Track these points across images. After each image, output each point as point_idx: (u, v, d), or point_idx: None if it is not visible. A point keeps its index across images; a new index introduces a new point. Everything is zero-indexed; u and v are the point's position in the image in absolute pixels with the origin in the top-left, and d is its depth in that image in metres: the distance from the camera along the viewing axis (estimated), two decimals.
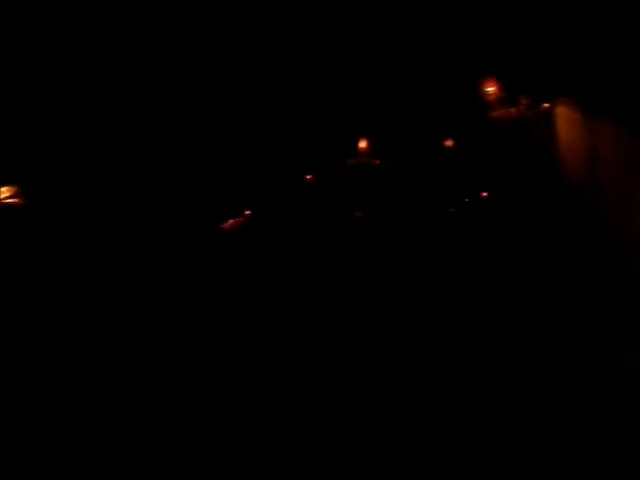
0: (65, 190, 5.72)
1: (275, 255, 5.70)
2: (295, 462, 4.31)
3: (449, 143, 5.46)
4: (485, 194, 5.24)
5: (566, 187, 5.17)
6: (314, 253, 5.66)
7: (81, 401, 4.78)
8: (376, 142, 5.99)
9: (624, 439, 4.11)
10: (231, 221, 5.84)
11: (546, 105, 5.25)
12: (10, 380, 4.81)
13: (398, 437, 4.37)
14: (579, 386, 4.52)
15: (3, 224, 5.49)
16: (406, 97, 6.30)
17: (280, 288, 5.56)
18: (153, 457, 4.45)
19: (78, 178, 5.72)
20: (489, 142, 5.36)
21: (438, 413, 4.52)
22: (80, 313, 5.26)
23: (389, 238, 5.61)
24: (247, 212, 5.98)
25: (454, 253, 5.35)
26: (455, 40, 6.17)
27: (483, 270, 5.19)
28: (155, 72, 6.31)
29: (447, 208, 5.45)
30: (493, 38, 6.01)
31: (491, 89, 5.34)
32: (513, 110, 5.32)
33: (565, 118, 5.20)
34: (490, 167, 5.36)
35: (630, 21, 5.04)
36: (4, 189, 5.45)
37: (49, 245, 5.48)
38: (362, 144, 5.96)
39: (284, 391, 4.83)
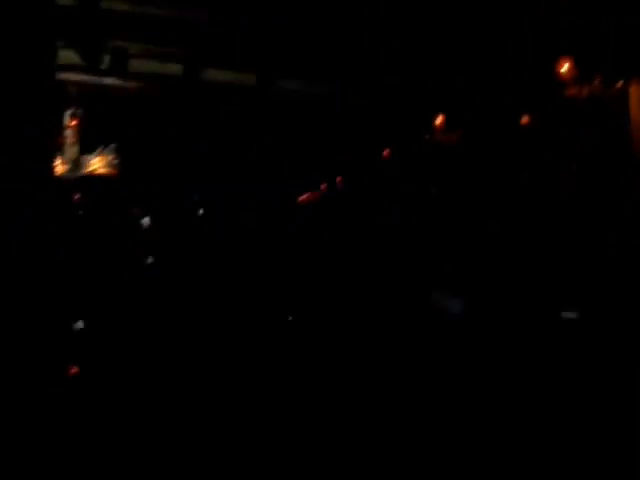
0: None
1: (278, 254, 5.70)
2: (295, 462, 4.32)
3: (525, 120, 5.39)
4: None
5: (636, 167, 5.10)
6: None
7: (81, 402, 4.79)
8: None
9: (624, 439, 4.11)
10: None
11: (620, 83, 5.19)
12: (10, 380, 4.82)
13: (397, 440, 4.37)
14: (579, 386, 4.52)
15: (3, 224, 5.50)
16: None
17: (281, 288, 5.57)
18: (153, 457, 4.45)
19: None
20: (563, 120, 5.31)
21: (437, 414, 4.53)
22: (80, 313, 5.27)
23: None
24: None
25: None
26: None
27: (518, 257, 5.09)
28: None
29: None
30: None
31: (565, 67, 5.29)
32: (587, 88, 5.25)
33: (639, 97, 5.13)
34: (563, 145, 5.30)
35: None
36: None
37: (49, 245, 5.49)
38: (438, 120, 5.83)
39: (284, 392, 4.83)
